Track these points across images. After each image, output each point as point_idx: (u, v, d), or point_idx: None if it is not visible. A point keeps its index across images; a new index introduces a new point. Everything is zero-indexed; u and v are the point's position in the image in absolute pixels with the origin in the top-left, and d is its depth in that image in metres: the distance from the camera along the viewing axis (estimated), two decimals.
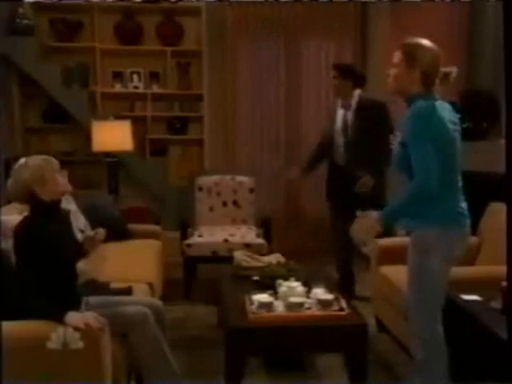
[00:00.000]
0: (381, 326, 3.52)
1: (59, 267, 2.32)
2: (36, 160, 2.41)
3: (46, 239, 2.29)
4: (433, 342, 2.36)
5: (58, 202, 2.47)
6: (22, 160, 2.42)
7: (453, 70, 2.37)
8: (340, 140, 4.05)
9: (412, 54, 2.32)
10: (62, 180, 2.44)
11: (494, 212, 3.32)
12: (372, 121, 3.90)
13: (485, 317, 2.35)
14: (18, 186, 2.36)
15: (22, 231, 2.32)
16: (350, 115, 4.01)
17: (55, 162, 2.44)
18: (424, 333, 2.37)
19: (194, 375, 2.87)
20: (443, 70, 2.36)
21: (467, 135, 4.81)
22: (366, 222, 2.35)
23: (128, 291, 2.87)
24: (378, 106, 3.96)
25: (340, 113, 4.08)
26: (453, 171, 2.37)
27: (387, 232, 2.51)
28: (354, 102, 4.00)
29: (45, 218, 2.36)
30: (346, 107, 4.03)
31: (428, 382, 2.39)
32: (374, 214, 2.32)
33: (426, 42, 2.36)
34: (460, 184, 2.42)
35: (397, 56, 2.36)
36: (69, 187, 2.47)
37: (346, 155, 4.04)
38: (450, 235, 2.35)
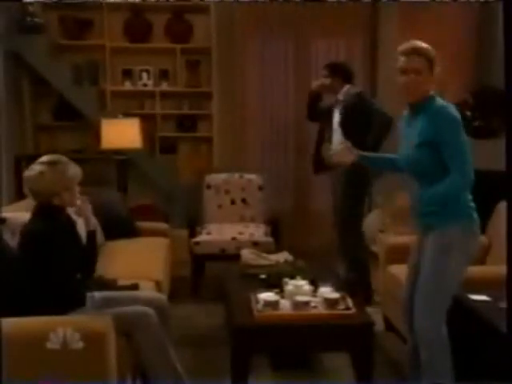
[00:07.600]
0: (389, 325, 3.50)
1: (61, 267, 2.33)
2: (70, 165, 2.42)
3: (52, 240, 2.31)
4: (438, 342, 2.34)
5: (64, 208, 2.48)
6: (54, 157, 2.41)
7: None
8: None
9: (432, 59, 2.32)
10: (77, 194, 2.46)
11: (504, 211, 3.27)
12: (358, 112, 3.91)
13: (492, 317, 2.33)
14: (42, 182, 2.35)
15: (30, 232, 2.35)
16: (343, 110, 3.98)
17: (80, 175, 2.47)
18: (431, 334, 2.34)
19: (201, 374, 2.87)
20: None
21: (479, 133, 4.83)
22: (345, 149, 2.57)
23: (134, 288, 2.87)
24: (361, 97, 4.01)
25: (335, 110, 4.04)
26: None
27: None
28: (341, 97, 4.02)
29: (50, 219, 2.38)
30: (337, 104, 4.04)
31: (432, 382, 2.38)
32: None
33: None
34: None
35: (417, 62, 2.31)
36: (76, 203, 2.48)
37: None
38: (467, 233, 2.35)
